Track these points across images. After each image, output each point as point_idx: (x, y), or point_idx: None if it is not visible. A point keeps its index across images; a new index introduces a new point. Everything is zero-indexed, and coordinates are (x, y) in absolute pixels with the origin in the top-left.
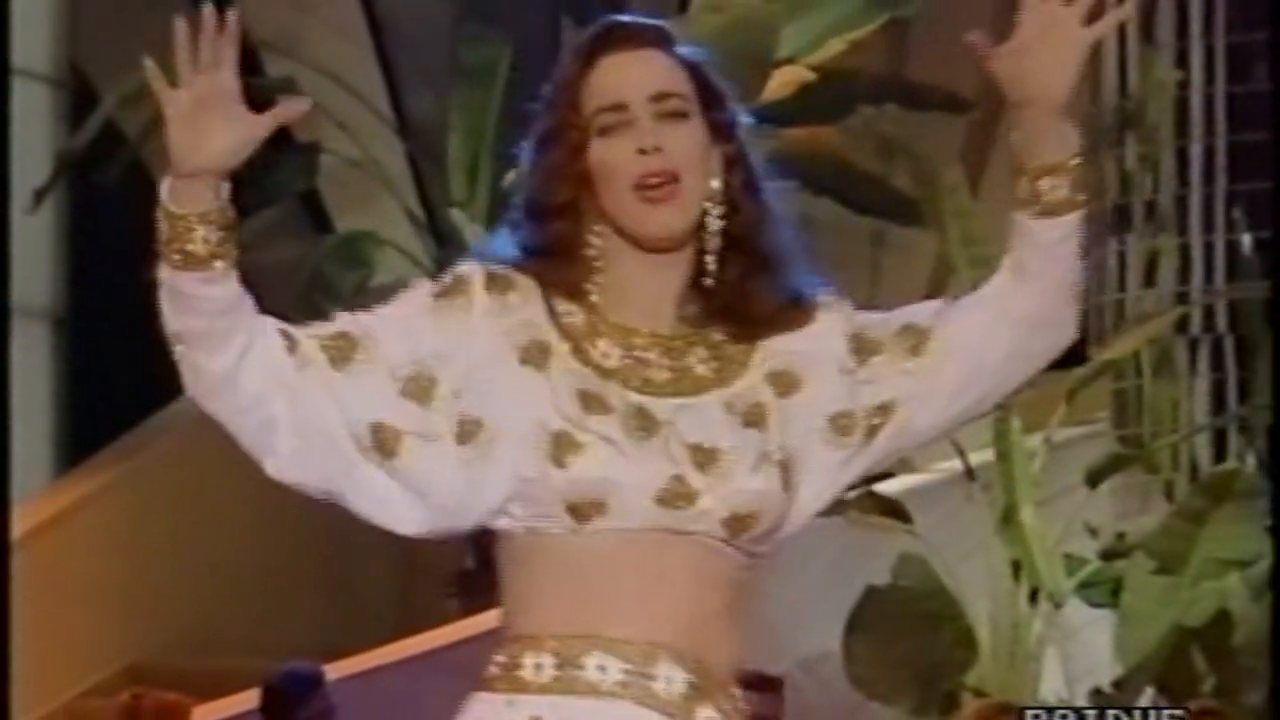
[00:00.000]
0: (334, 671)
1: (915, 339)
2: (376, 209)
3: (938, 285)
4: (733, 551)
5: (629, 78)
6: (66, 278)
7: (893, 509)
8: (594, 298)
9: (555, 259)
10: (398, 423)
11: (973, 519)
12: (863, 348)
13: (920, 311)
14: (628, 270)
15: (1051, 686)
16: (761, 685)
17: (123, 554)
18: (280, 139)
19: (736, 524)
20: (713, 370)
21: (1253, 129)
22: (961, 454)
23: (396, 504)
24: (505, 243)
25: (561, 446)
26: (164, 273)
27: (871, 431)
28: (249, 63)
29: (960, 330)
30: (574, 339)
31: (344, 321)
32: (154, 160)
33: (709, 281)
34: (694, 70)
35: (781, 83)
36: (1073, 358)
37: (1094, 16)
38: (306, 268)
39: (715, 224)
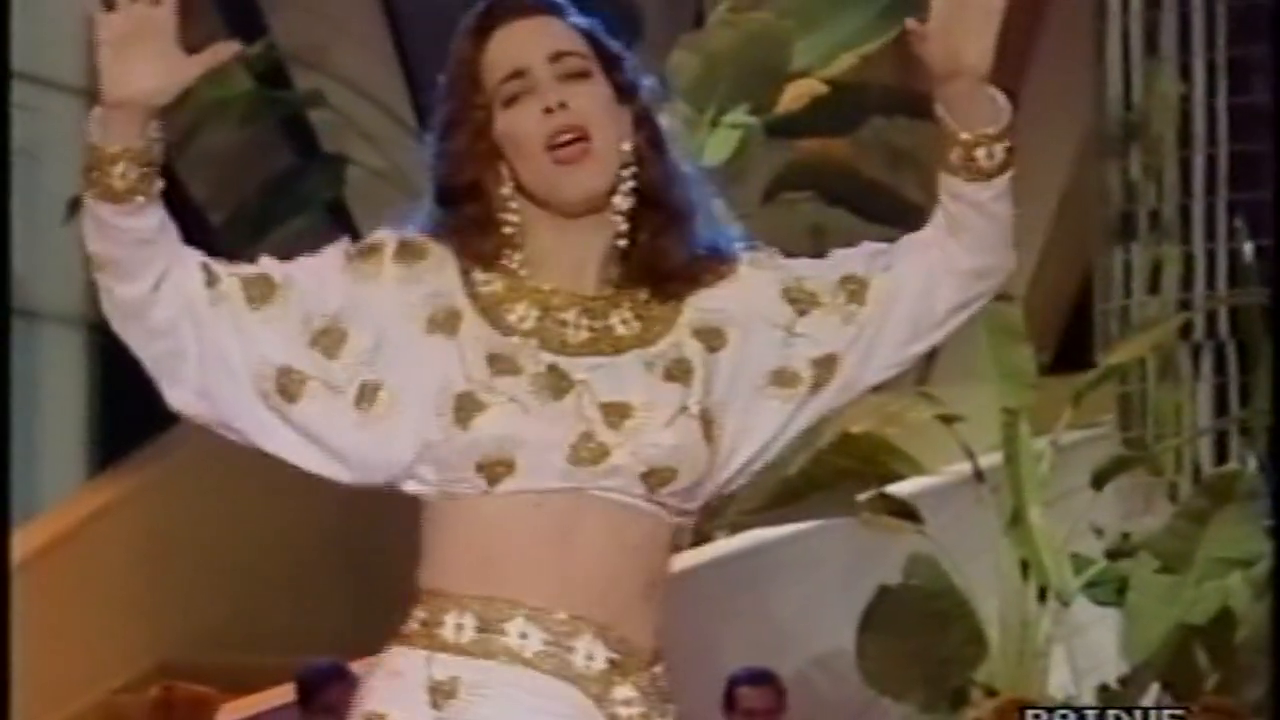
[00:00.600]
0: (360, 668)
1: (854, 287)
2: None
3: None
4: (655, 509)
5: (525, 43)
6: (98, 284)
7: (904, 510)
8: (515, 268)
9: (471, 235)
10: (305, 368)
11: (982, 520)
12: (799, 299)
13: (855, 258)
14: (548, 240)
15: (1059, 683)
16: (759, 680)
17: (153, 554)
18: (308, 150)
19: (654, 478)
20: (635, 330)
21: (1253, 140)
22: (971, 456)
23: (302, 448)
24: (423, 218)
25: (465, 407)
26: (86, 197)
27: (818, 383)
28: (278, 77)
29: (901, 278)
30: (487, 306)
31: (266, 264)
32: (186, 171)
33: (622, 243)
34: (589, 35)
35: (795, 95)
36: (1079, 362)
37: None
38: None
39: (626, 184)
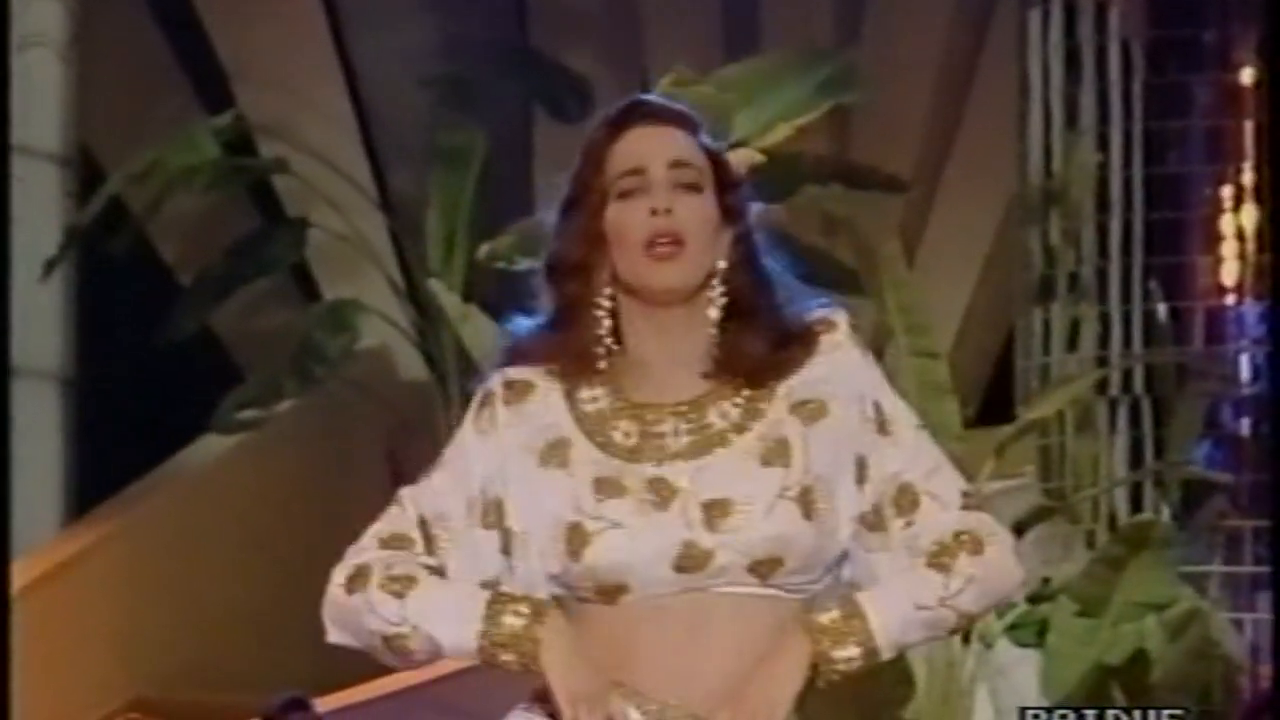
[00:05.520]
0: (325, 705)
1: (904, 500)
2: (361, 279)
3: (876, 350)
4: (774, 592)
5: (650, 146)
6: (74, 342)
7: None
8: (614, 372)
9: (571, 328)
10: (494, 574)
11: None
12: (882, 425)
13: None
14: (644, 344)
15: None
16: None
17: (126, 596)
18: (273, 214)
19: (762, 569)
20: (734, 418)
21: (1167, 207)
22: None
23: None
24: (524, 323)
25: (575, 539)
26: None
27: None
28: (245, 145)
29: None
30: (594, 427)
31: (429, 508)
32: (156, 234)
33: (715, 352)
34: (712, 156)
35: (734, 163)
36: (1002, 416)
37: None
38: (297, 333)
39: (718, 300)
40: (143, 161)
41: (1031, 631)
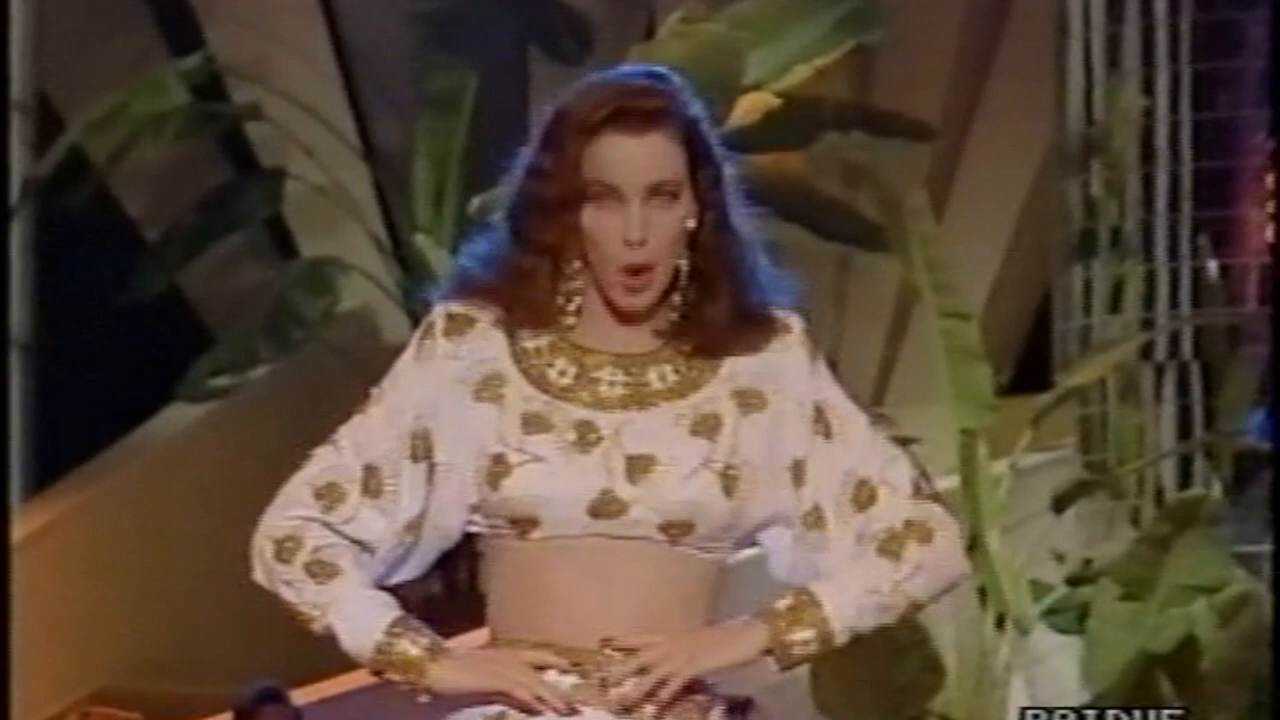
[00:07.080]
0: (301, 697)
1: (866, 495)
2: (342, 235)
3: (902, 310)
4: (683, 551)
5: (627, 164)
6: (31, 303)
7: None
8: (567, 321)
9: (525, 287)
10: (420, 509)
11: None
12: (820, 423)
13: (871, 464)
14: (599, 304)
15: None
16: (733, 709)
17: (88, 578)
18: (245, 165)
19: (673, 530)
20: (671, 384)
21: (1217, 156)
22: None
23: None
24: (477, 260)
25: (496, 469)
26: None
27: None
28: (215, 90)
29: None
30: (531, 364)
31: (371, 450)
32: (120, 186)
33: (674, 314)
34: (691, 129)
35: (747, 109)
36: (1039, 383)
37: None
38: (273, 294)
39: (684, 266)
40: (105, 107)
41: (1071, 617)
